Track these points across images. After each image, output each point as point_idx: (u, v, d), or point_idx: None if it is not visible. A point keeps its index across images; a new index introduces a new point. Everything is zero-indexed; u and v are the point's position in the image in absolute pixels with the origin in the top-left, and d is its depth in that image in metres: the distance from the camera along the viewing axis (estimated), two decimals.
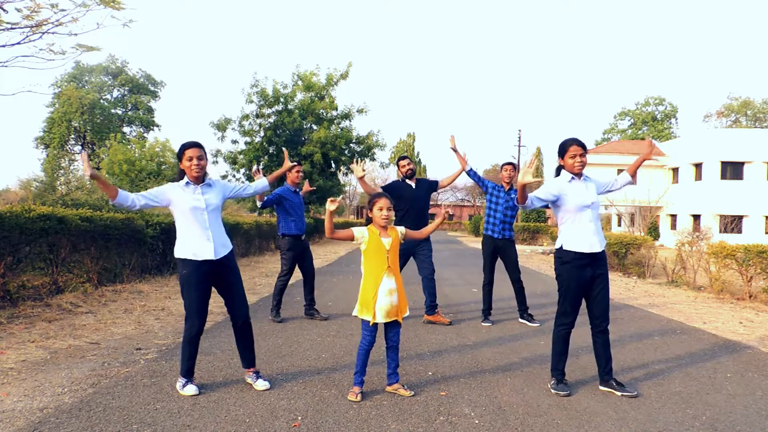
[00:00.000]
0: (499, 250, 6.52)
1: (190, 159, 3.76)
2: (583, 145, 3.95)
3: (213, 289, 3.90)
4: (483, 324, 6.38)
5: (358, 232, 3.79)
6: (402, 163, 6.48)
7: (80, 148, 39.88)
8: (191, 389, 3.72)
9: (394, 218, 3.93)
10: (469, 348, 5.20)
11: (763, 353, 5.28)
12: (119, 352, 4.77)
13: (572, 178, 3.98)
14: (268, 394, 3.74)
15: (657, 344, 5.57)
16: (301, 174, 6.47)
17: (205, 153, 3.88)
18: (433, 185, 6.59)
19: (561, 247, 3.97)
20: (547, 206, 4.08)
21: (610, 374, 4.00)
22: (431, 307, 6.27)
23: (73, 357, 4.60)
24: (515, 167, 6.60)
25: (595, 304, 3.97)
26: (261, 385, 3.87)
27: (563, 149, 3.98)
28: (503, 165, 6.60)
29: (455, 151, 6.25)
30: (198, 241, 3.78)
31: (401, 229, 3.92)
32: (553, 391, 3.90)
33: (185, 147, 3.79)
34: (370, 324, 3.71)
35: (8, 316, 5.85)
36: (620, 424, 3.36)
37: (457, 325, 6.32)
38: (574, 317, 3.98)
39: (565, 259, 3.95)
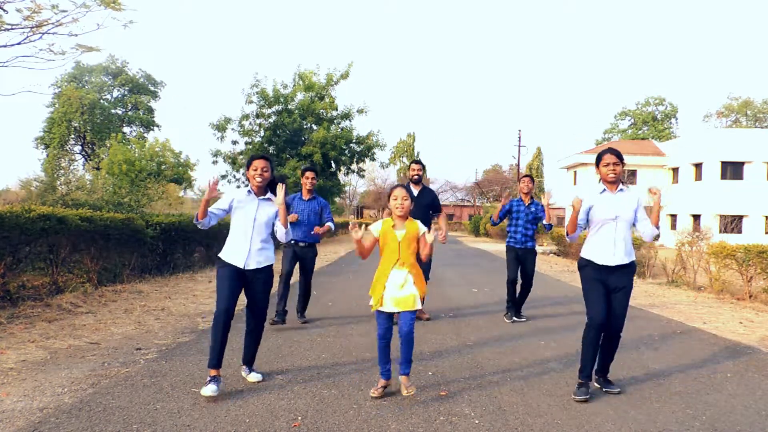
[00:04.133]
0: (520, 258, 6.69)
1: (255, 169, 3.95)
2: (618, 155, 3.94)
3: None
4: (506, 319, 6.67)
5: (374, 227, 3.85)
6: (412, 166, 6.67)
7: (80, 147, 39.87)
8: (207, 389, 3.61)
9: (409, 208, 3.82)
10: (469, 348, 5.20)
11: (763, 353, 5.27)
12: (119, 352, 4.77)
13: (604, 189, 3.97)
14: (268, 394, 3.74)
15: (657, 344, 5.57)
16: (310, 180, 6.39)
17: (272, 167, 4.03)
18: (435, 205, 6.65)
19: (581, 253, 4.06)
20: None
21: (602, 372, 4.05)
22: None
23: (73, 357, 4.60)
24: (533, 179, 6.79)
25: (611, 310, 3.92)
26: (253, 377, 4.02)
27: (599, 158, 4.00)
28: (521, 178, 6.76)
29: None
30: (236, 246, 3.94)
31: (422, 227, 3.87)
32: (572, 396, 3.83)
33: (253, 158, 3.99)
34: (382, 313, 3.75)
35: (8, 316, 5.85)
36: (620, 424, 3.36)
37: (457, 325, 6.32)
38: (601, 313, 3.85)
39: (581, 264, 4.05)
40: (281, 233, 4.06)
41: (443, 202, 68.05)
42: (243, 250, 3.92)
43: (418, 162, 6.70)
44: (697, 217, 29.66)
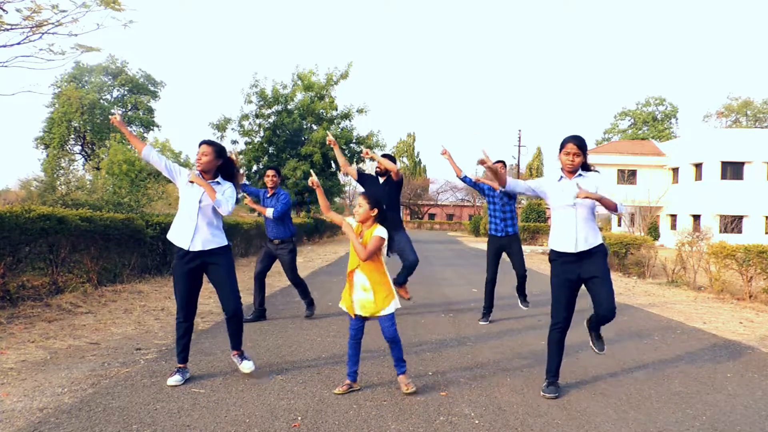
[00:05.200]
0: (504, 248, 6.56)
1: (197, 154, 4.08)
2: (579, 144, 3.80)
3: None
4: (480, 322, 6.49)
5: (347, 222, 3.88)
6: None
7: (80, 147, 39.86)
8: (171, 379, 3.90)
9: (367, 214, 3.75)
10: (469, 348, 5.20)
11: (763, 353, 5.28)
12: (119, 352, 4.77)
13: (561, 177, 3.91)
14: (268, 394, 3.74)
15: (657, 344, 5.57)
16: (272, 179, 6.34)
17: (215, 152, 4.05)
18: (399, 181, 6.49)
19: (549, 244, 4.05)
20: (538, 196, 4.09)
21: (595, 328, 4.11)
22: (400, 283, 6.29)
23: (73, 357, 4.60)
24: (505, 165, 6.68)
25: (597, 299, 3.86)
26: (246, 366, 4.07)
27: (561, 145, 3.91)
28: (494, 162, 6.66)
29: (450, 159, 6.34)
30: (182, 227, 4.03)
31: (380, 232, 3.72)
32: (541, 393, 3.84)
33: (199, 144, 4.11)
34: (352, 316, 3.82)
35: (8, 316, 5.85)
36: (620, 424, 3.36)
37: (457, 324, 6.32)
38: (563, 317, 3.86)
39: (551, 257, 4.00)
40: (219, 209, 3.98)
41: (443, 202, 68.27)
42: (188, 230, 3.98)
43: (386, 155, 6.57)
44: (697, 217, 29.66)
